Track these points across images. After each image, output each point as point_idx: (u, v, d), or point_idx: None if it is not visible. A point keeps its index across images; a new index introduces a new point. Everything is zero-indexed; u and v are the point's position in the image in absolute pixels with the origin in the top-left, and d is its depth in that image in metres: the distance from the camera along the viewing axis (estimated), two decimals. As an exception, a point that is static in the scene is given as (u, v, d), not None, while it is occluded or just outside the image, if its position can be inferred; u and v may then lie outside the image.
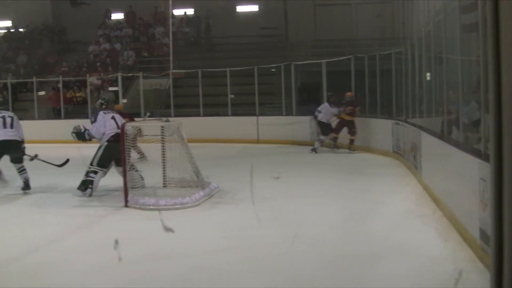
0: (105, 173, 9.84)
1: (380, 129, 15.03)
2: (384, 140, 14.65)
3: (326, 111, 15.70)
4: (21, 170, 10.41)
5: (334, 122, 15.75)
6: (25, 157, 10.52)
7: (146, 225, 7.73)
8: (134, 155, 9.71)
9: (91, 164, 9.81)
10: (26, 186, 10.37)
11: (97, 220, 8.21)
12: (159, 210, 8.29)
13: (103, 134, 9.91)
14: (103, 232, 7.58)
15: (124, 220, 8.16)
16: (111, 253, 6.35)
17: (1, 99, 15.12)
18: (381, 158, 14.25)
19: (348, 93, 15.84)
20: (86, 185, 9.70)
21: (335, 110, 15.59)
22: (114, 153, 9.40)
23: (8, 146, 10.17)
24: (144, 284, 5.35)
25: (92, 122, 10.15)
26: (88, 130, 10.05)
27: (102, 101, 10.71)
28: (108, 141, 9.83)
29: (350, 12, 26.23)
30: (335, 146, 15.70)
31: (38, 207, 9.27)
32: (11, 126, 10.26)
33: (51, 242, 7.02)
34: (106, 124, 9.90)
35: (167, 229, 7.04)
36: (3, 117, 10.25)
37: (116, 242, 6.39)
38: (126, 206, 8.71)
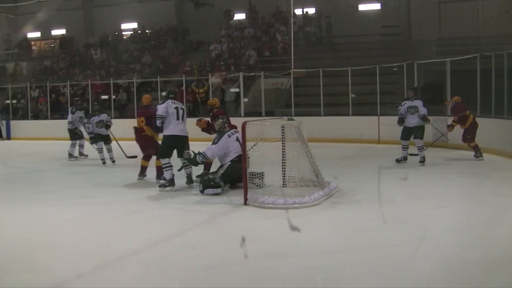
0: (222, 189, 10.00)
1: (509, 131, 14.35)
2: (512, 143, 14.00)
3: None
4: (187, 165, 10.78)
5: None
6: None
7: (264, 223, 7.79)
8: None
9: (214, 173, 10.10)
10: (189, 181, 10.76)
11: (216, 217, 8.34)
12: (284, 209, 8.32)
13: (226, 156, 10.14)
14: (222, 229, 7.70)
15: (243, 217, 8.24)
16: (230, 249, 6.48)
17: (98, 107, 15.77)
18: (509, 161, 13.65)
19: (455, 97, 15.22)
20: (206, 186, 9.92)
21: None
22: (236, 173, 9.50)
23: (180, 141, 10.56)
24: (261, 282, 5.37)
25: (214, 143, 10.31)
26: (202, 152, 10.15)
27: (223, 120, 10.64)
28: (231, 161, 10.07)
29: (476, 9, 25.28)
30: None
31: (158, 203, 9.55)
32: (183, 118, 10.63)
33: (171, 237, 7.19)
34: (229, 148, 10.07)
35: (294, 228, 7.07)
36: (177, 108, 10.54)
37: (243, 239, 6.48)
38: (245, 204, 8.78)
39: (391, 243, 6.60)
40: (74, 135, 16.68)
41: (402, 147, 13.77)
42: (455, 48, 21.83)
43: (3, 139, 25.76)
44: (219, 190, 9.79)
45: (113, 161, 14.81)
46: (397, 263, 5.84)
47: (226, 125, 10.57)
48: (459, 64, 17.79)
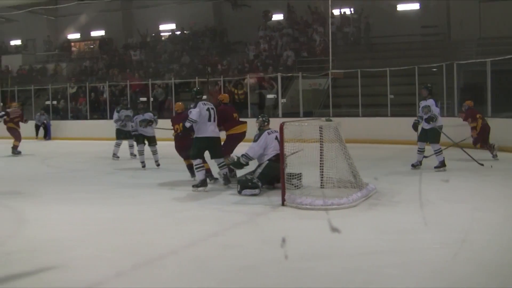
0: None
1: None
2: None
3: None
4: (222, 165, 10.84)
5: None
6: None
7: (302, 224, 7.78)
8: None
9: (251, 174, 10.13)
10: (227, 181, 10.80)
11: (254, 217, 8.35)
12: (322, 210, 8.30)
13: (264, 155, 10.16)
14: (261, 229, 7.71)
15: (280, 218, 8.23)
16: (268, 250, 6.47)
17: (142, 105, 15.63)
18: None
19: (467, 101, 15.03)
20: (244, 186, 9.94)
21: None
22: (274, 172, 9.49)
23: (212, 142, 10.63)
24: (300, 283, 5.35)
25: (254, 140, 10.36)
26: (245, 154, 10.20)
27: (264, 119, 10.71)
28: (269, 160, 10.08)
29: (518, 8, 24.91)
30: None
31: (197, 203, 9.58)
32: (214, 119, 10.68)
33: (209, 237, 7.21)
34: (268, 146, 10.07)
35: (334, 229, 7.04)
36: (208, 110, 10.58)
37: (284, 240, 6.48)
38: (283, 204, 8.77)
39: (431, 245, 6.53)
40: (119, 134, 16.64)
41: (418, 150, 13.03)
42: (496, 48, 21.49)
43: (47, 139, 26.08)
44: (257, 191, 9.80)
45: (158, 165, 14.17)
46: (437, 266, 5.77)
47: (266, 123, 10.60)
48: (500, 65, 17.52)
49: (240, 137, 11.64)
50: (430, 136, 12.66)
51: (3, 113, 5.96)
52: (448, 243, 6.56)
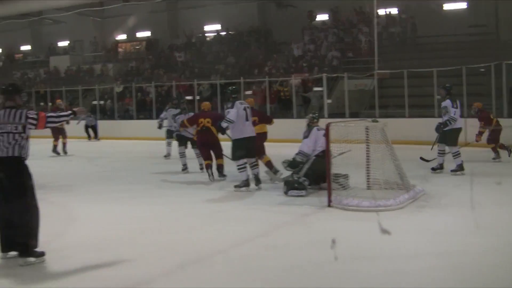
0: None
1: None
2: None
3: None
4: (255, 165, 10.89)
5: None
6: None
7: (348, 226, 7.75)
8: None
9: (298, 172, 10.09)
10: (258, 181, 10.85)
11: (300, 218, 8.34)
12: (368, 211, 8.27)
13: (313, 150, 10.13)
14: (307, 230, 7.71)
15: (327, 219, 8.21)
16: (314, 251, 6.46)
17: (185, 105, 15.52)
18: None
19: (476, 104, 14.74)
20: (290, 187, 9.92)
21: None
22: (321, 168, 9.35)
23: (250, 142, 10.67)
24: (345, 284, 5.35)
25: (304, 137, 10.34)
26: (300, 151, 10.22)
27: (314, 116, 10.76)
28: (316, 156, 10.03)
29: None
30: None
31: (242, 203, 9.63)
32: (249, 119, 10.71)
33: (255, 237, 7.25)
34: (318, 141, 10.05)
35: (384, 231, 6.99)
36: (245, 109, 10.62)
37: (333, 241, 6.46)
38: (329, 205, 8.75)
39: (479, 249, 6.43)
40: (169, 134, 16.51)
41: (438, 153, 12.53)
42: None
43: (98, 140, 26.40)
44: (303, 192, 9.77)
45: (201, 169, 13.15)
46: (484, 270, 5.69)
47: (316, 120, 10.63)
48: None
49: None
50: (447, 138, 12.23)
51: (69, 112, 6.05)
52: (497, 248, 6.46)
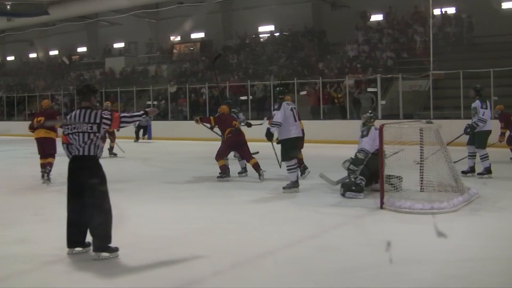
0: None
1: None
2: None
3: None
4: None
5: None
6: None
7: (401, 228, 7.65)
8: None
9: (355, 173, 10.04)
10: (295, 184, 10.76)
11: (352, 220, 8.28)
12: (422, 214, 8.16)
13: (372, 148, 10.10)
14: (358, 232, 7.65)
15: (379, 221, 8.14)
16: (365, 253, 6.39)
17: (229, 101, 15.36)
18: None
19: (498, 106, 14.57)
20: (347, 189, 9.86)
21: None
22: (376, 166, 9.27)
23: (298, 142, 10.68)
24: (397, 287, 5.29)
25: (362, 135, 10.25)
26: (361, 149, 10.10)
27: (371, 115, 10.69)
28: (372, 153, 9.96)
29: None
30: None
31: (293, 204, 9.58)
32: (297, 119, 10.73)
33: (306, 238, 7.21)
34: (375, 140, 9.97)
35: (440, 234, 6.89)
36: (292, 110, 10.62)
37: (389, 243, 6.40)
38: (381, 207, 8.67)
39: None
40: None
41: (468, 156, 12.15)
42: None
43: (147, 140, 26.67)
44: (361, 195, 9.67)
45: (241, 173, 13.12)
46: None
47: (373, 120, 10.55)
48: None
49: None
50: (476, 140, 11.87)
51: (142, 112, 6.07)
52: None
